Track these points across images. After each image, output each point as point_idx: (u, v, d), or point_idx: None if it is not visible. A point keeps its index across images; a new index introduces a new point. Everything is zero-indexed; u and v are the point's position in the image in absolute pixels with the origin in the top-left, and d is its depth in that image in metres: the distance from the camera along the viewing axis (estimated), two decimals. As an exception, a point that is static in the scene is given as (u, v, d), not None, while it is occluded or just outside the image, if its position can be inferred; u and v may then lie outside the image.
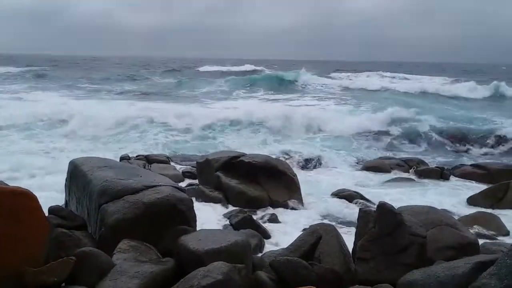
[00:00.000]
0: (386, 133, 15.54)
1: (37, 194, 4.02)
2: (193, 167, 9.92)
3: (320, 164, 11.83)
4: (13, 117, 15.50)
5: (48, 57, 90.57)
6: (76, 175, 5.63)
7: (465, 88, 30.23)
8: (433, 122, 16.78)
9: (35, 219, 3.93)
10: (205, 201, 7.73)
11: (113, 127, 15.05)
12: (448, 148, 14.35)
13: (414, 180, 10.36)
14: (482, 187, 9.44)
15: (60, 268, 3.79)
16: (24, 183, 7.44)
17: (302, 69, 38.70)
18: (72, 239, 4.54)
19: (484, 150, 13.69)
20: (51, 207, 5.34)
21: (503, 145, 14.30)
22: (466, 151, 13.76)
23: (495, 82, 30.21)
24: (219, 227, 6.60)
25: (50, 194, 7.55)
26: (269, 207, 7.69)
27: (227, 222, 6.80)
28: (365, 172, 11.29)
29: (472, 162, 12.00)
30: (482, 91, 29.17)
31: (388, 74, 46.50)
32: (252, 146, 13.36)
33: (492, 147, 14.12)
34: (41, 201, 4.05)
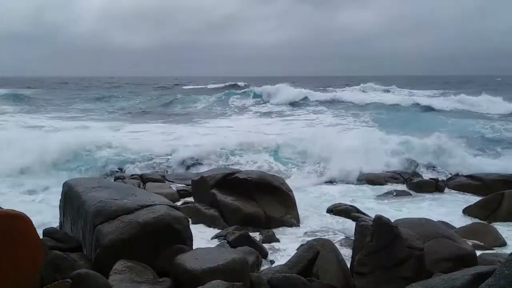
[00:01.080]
0: (382, 145, 15.47)
1: (30, 216, 3.99)
2: (188, 185, 9.90)
3: (316, 177, 11.83)
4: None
5: (37, 79, 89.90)
6: (70, 196, 5.59)
7: (456, 100, 30.53)
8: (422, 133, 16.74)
9: (30, 242, 3.89)
10: (201, 219, 7.69)
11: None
12: (443, 159, 14.30)
13: (409, 193, 10.37)
14: (477, 198, 9.46)
15: (55, 291, 3.74)
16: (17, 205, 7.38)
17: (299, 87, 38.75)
18: (68, 261, 4.49)
19: (478, 160, 13.63)
20: (45, 229, 5.29)
21: (497, 155, 14.35)
22: (460, 162, 13.69)
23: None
24: (216, 245, 6.55)
25: (45, 216, 7.49)
26: (265, 223, 7.66)
27: (224, 240, 6.75)
28: (360, 185, 11.30)
29: (466, 173, 12.02)
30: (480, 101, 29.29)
31: (379, 87, 46.80)
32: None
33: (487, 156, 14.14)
34: (35, 223, 4.02)
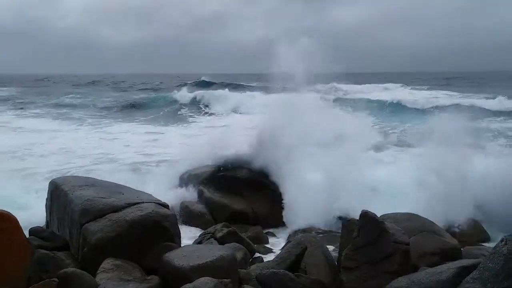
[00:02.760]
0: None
1: (16, 215, 3.95)
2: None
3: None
4: None
5: (16, 77, 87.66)
6: (57, 195, 5.55)
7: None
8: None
9: (16, 241, 3.85)
10: (189, 216, 7.67)
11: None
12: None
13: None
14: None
15: (42, 290, 3.71)
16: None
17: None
18: (54, 260, 4.45)
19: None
20: (32, 228, 5.25)
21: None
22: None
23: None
24: (204, 242, 6.54)
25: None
26: (253, 220, 7.68)
27: (212, 237, 6.74)
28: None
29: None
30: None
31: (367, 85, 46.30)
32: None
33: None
34: (21, 222, 3.98)
